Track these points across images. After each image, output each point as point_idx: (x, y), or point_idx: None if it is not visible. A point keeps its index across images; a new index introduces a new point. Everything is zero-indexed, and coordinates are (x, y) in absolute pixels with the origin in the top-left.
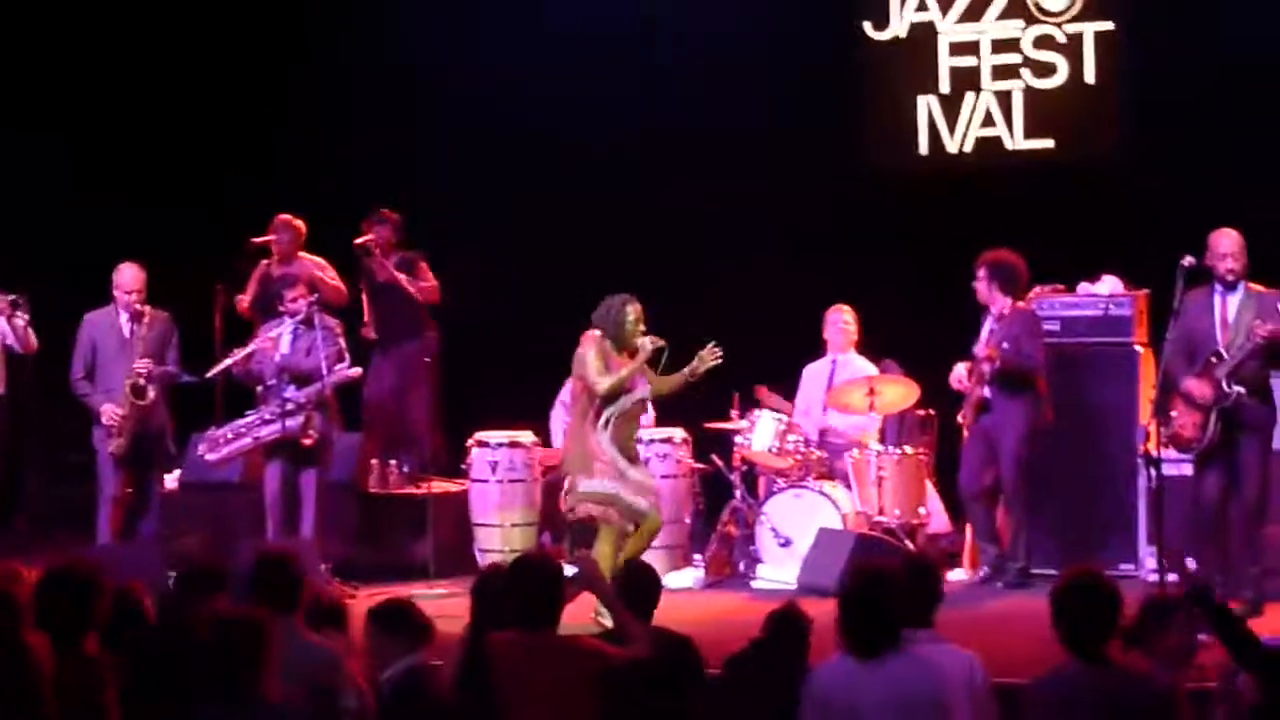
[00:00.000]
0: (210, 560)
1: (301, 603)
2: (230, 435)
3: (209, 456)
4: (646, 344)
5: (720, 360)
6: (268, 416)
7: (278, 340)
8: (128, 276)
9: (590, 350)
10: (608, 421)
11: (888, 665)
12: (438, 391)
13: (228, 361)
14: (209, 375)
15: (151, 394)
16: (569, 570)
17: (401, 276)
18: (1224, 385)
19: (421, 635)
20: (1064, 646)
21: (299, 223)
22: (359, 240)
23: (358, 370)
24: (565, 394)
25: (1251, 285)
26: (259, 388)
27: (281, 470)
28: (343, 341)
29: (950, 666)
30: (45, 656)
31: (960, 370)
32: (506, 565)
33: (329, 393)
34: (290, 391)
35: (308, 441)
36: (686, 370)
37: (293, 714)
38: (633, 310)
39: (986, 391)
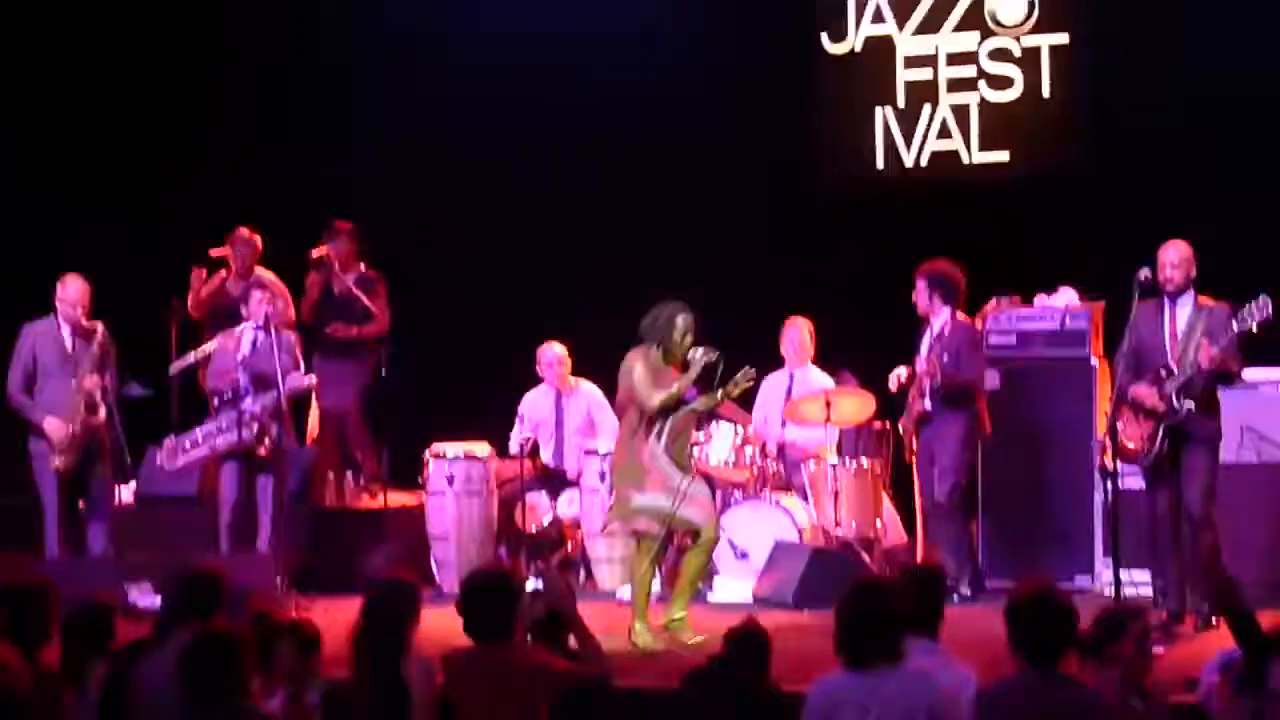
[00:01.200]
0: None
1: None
2: (188, 445)
3: (167, 465)
4: (699, 356)
5: (753, 382)
6: (224, 425)
7: (239, 341)
8: (73, 290)
9: (638, 363)
10: (659, 433)
11: (888, 678)
12: (383, 405)
13: (190, 358)
14: (172, 372)
15: (103, 411)
16: (532, 585)
17: (359, 293)
18: (1174, 400)
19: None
20: (1016, 656)
21: (256, 238)
22: (315, 252)
23: (312, 378)
24: (524, 406)
25: (1203, 298)
26: (215, 400)
27: (238, 477)
28: (299, 352)
29: (948, 681)
30: (18, 669)
31: (900, 372)
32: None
33: (285, 403)
34: (247, 402)
35: (263, 451)
36: (720, 392)
37: None
38: (683, 320)
39: (927, 404)
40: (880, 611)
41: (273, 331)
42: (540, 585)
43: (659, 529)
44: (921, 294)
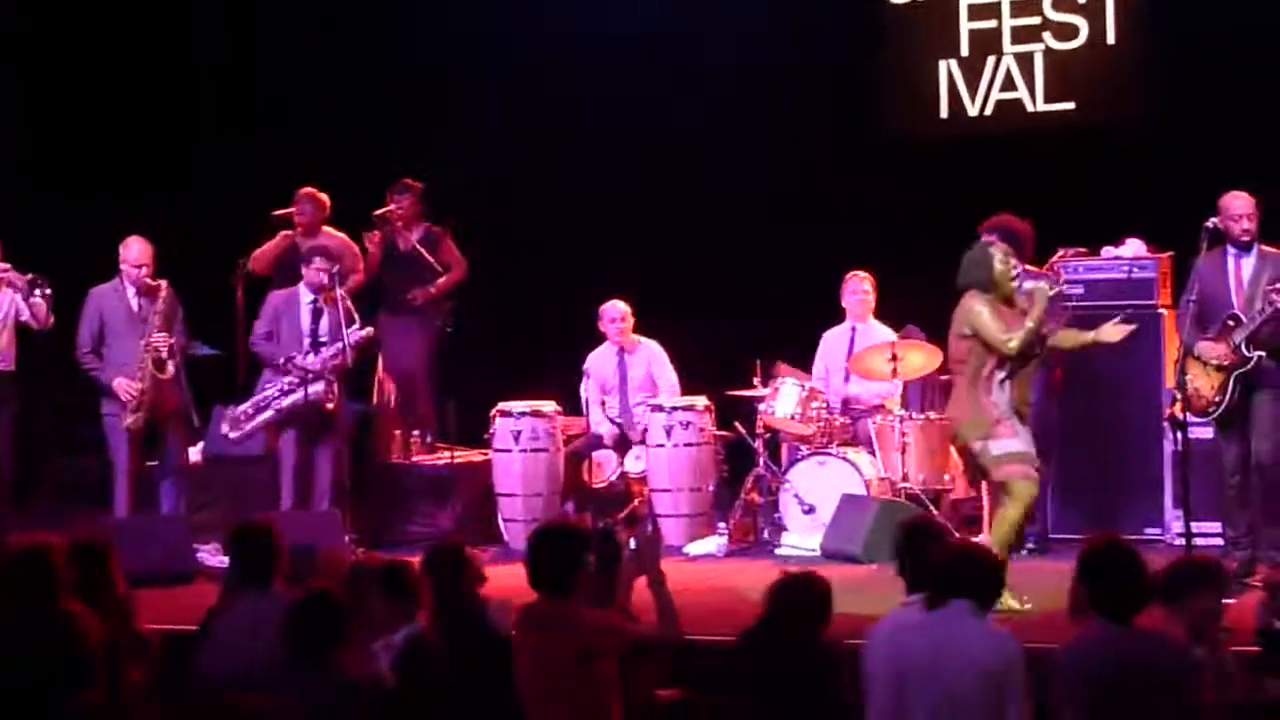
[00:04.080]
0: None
1: (278, 572)
2: (251, 410)
3: (232, 435)
4: (1044, 287)
5: (1127, 333)
6: (286, 387)
7: (298, 309)
8: (135, 251)
9: (984, 308)
10: (1004, 381)
11: (965, 625)
12: (449, 362)
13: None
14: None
15: (171, 368)
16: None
17: (423, 250)
18: (1243, 349)
19: (417, 600)
20: (1090, 613)
21: (323, 196)
22: (379, 211)
23: (369, 330)
24: (589, 363)
25: (1265, 247)
26: (280, 360)
27: (296, 442)
28: (349, 304)
29: (1012, 641)
30: (91, 625)
31: None
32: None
33: (350, 358)
34: (310, 359)
35: (330, 406)
36: (1093, 335)
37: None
38: (998, 251)
39: None
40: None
41: (332, 299)
42: (634, 546)
43: (1031, 472)
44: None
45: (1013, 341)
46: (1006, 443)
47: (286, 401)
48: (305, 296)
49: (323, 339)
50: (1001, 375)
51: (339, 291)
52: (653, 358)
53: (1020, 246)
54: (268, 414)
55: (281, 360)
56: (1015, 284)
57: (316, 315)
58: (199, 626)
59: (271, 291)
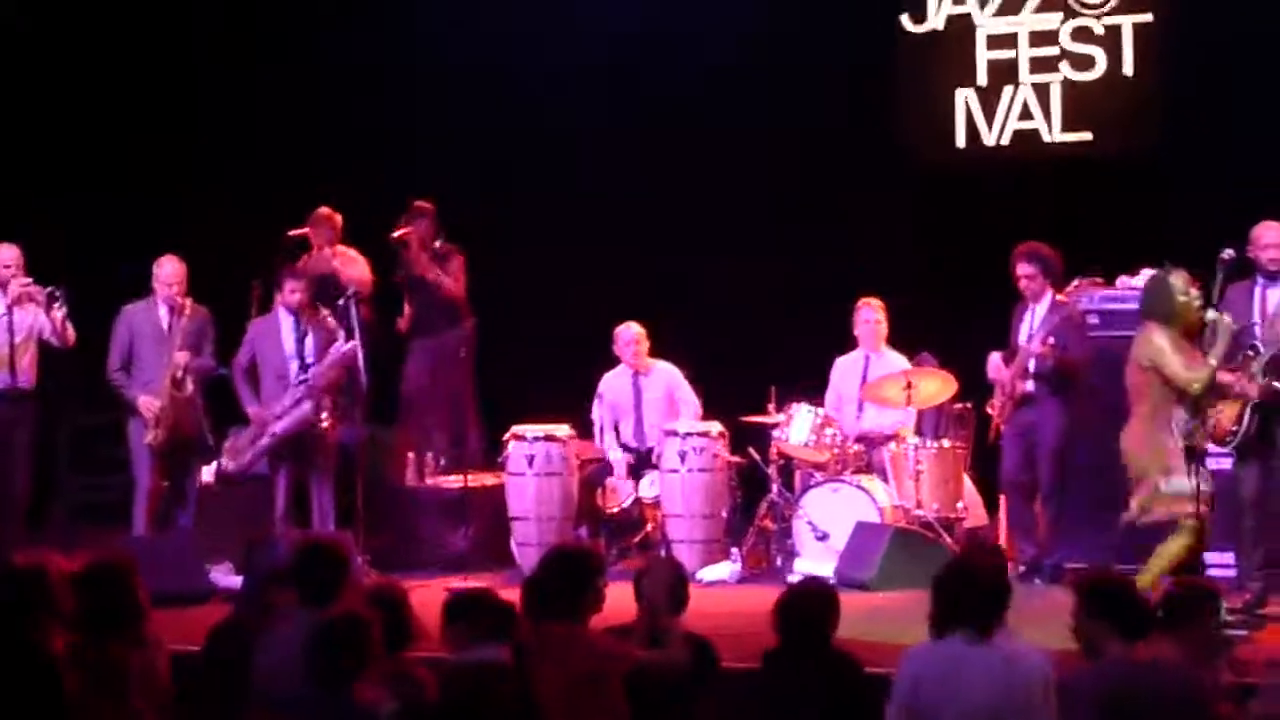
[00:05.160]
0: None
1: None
2: (248, 440)
3: (231, 467)
4: (1227, 320)
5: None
6: (279, 412)
7: (279, 335)
8: (169, 270)
9: (1166, 344)
10: (1182, 415)
11: (972, 652)
12: (474, 384)
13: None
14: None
15: (190, 386)
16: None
17: (436, 270)
18: (1259, 379)
19: (502, 625)
20: (1095, 641)
21: (336, 216)
22: (395, 234)
23: (354, 344)
24: (603, 386)
25: None
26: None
27: (289, 467)
28: (331, 322)
29: (1034, 662)
30: (62, 658)
31: (996, 359)
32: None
33: (331, 374)
34: (297, 381)
35: (325, 424)
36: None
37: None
38: (1178, 279)
39: (1030, 386)
40: (975, 587)
41: (315, 319)
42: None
43: (1195, 509)
44: (1035, 277)
45: (1197, 382)
46: (1178, 482)
47: (280, 426)
48: (286, 320)
49: (310, 360)
50: (1182, 412)
51: (323, 314)
52: (671, 380)
53: (1057, 272)
54: (264, 441)
55: (250, 413)
56: (1197, 309)
57: (301, 337)
58: (224, 645)
59: (251, 321)
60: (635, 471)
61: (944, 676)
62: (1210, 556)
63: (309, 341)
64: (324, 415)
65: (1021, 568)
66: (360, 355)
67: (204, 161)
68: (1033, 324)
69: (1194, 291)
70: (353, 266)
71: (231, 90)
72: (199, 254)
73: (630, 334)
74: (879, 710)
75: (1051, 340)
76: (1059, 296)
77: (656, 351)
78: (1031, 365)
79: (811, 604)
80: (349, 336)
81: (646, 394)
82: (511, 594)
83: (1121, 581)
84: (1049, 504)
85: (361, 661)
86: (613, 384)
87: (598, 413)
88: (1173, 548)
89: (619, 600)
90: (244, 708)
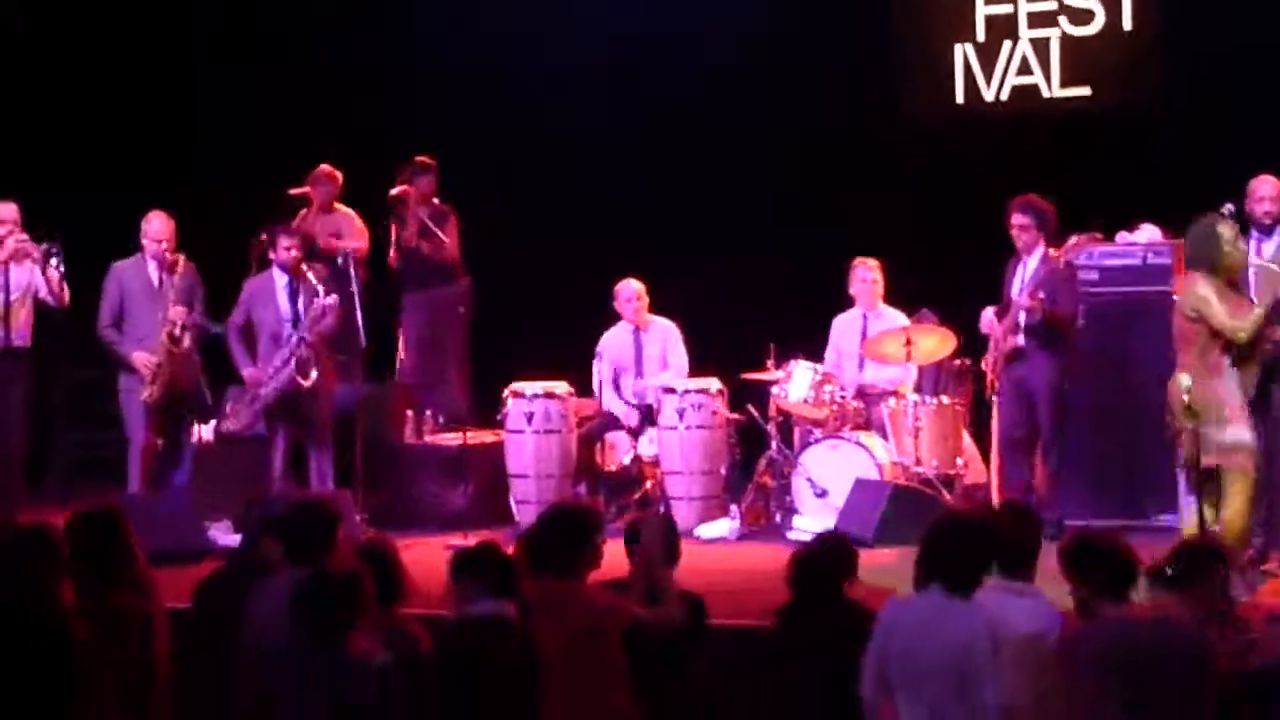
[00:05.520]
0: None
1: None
2: (245, 402)
3: (230, 427)
4: (1275, 269)
5: None
6: (270, 373)
7: (274, 295)
8: (157, 225)
9: (1211, 294)
10: (1233, 362)
11: (947, 606)
12: (469, 341)
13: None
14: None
15: (187, 342)
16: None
17: (432, 232)
18: None
19: (506, 581)
20: (1094, 600)
21: (336, 173)
22: (394, 191)
23: (333, 298)
24: (603, 343)
25: None
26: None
27: (284, 426)
28: (316, 280)
29: (1033, 620)
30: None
31: (989, 315)
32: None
33: (312, 332)
34: (285, 339)
35: (306, 382)
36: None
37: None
38: (1227, 228)
39: (1020, 340)
40: (960, 543)
41: (301, 274)
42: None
43: (1249, 463)
44: (1028, 228)
45: (1243, 331)
46: (1236, 431)
47: (267, 389)
48: (280, 279)
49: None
50: (1228, 360)
51: (316, 269)
52: (667, 337)
53: (1050, 227)
54: (257, 404)
55: (245, 374)
56: (1245, 258)
57: (294, 295)
58: (214, 598)
59: (246, 279)
60: (634, 429)
61: (916, 626)
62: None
63: (302, 300)
64: (312, 374)
65: None
66: (356, 311)
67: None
68: (1024, 277)
69: (1241, 243)
70: (351, 226)
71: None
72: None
73: (630, 290)
74: None
75: (1041, 295)
76: (1051, 250)
77: (655, 310)
78: (1022, 319)
79: (828, 558)
80: (347, 298)
81: (647, 350)
82: (511, 550)
83: (1101, 540)
84: (1049, 456)
85: (353, 614)
86: (613, 340)
87: (597, 369)
88: (1237, 502)
89: (614, 556)
90: (234, 660)
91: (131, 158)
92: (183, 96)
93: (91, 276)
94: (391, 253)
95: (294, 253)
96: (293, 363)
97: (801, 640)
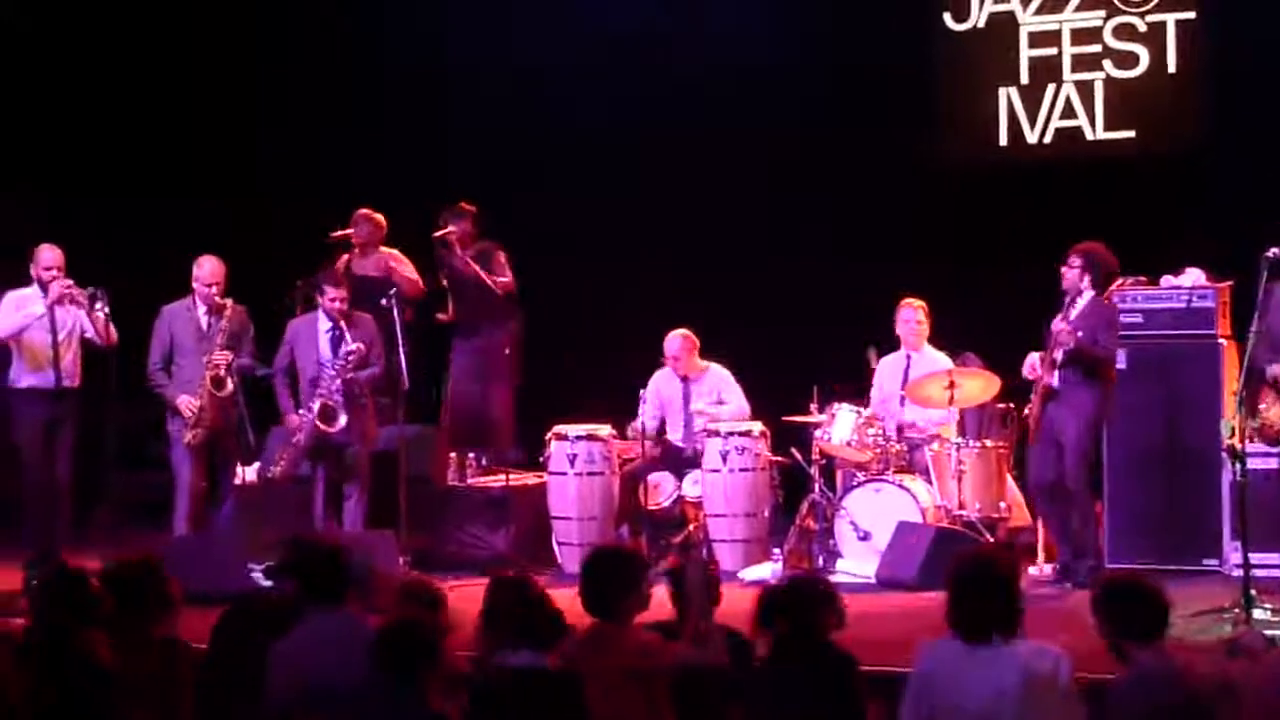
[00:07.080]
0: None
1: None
2: (288, 444)
3: (274, 472)
4: None
5: None
6: (306, 415)
7: (316, 341)
8: (208, 269)
9: None
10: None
11: (984, 652)
12: (518, 383)
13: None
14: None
15: (230, 386)
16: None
17: (478, 268)
18: None
19: (549, 632)
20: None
21: (379, 216)
22: (438, 233)
23: (359, 346)
24: (652, 384)
25: None
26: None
27: (321, 468)
28: (367, 325)
29: (1037, 662)
30: (106, 655)
31: (1034, 358)
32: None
33: (343, 378)
34: (323, 383)
35: (331, 429)
36: None
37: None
38: None
39: (1055, 380)
40: (987, 583)
41: (347, 322)
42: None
43: None
44: (1075, 270)
45: None
46: None
47: (299, 437)
48: (323, 324)
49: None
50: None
51: (365, 318)
52: (722, 383)
53: (1107, 276)
54: (293, 449)
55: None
56: None
57: (336, 342)
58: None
59: (290, 321)
60: (678, 471)
61: (948, 674)
62: (1255, 556)
63: (344, 347)
64: (340, 420)
65: (1053, 570)
66: (400, 352)
67: (263, 166)
68: (1069, 319)
69: None
70: (404, 269)
71: (290, 94)
72: (243, 260)
73: (672, 348)
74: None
75: (1080, 334)
76: (1100, 297)
77: (700, 352)
78: (1059, 357)
79: (797, 600)
80: (390, 340)
81: (695, 396)
82: (556, 593)
83: (1130, 584)
84: (1077, 501)
85: (434, 664)
86: (661, 384)
87: (642, 413)
88: None
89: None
90: (257, 698)
91: (191, 163)
92: (240, 103)
93: (139, 313)
94: (440, 317)
95: (338, 304)
96: (316, 407)
97: (780, 686)
